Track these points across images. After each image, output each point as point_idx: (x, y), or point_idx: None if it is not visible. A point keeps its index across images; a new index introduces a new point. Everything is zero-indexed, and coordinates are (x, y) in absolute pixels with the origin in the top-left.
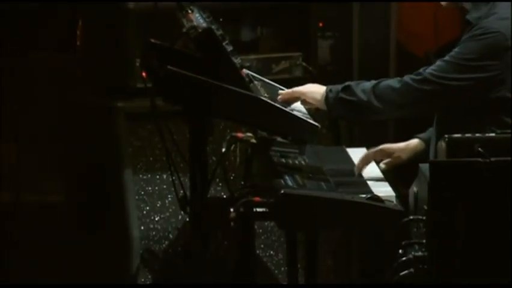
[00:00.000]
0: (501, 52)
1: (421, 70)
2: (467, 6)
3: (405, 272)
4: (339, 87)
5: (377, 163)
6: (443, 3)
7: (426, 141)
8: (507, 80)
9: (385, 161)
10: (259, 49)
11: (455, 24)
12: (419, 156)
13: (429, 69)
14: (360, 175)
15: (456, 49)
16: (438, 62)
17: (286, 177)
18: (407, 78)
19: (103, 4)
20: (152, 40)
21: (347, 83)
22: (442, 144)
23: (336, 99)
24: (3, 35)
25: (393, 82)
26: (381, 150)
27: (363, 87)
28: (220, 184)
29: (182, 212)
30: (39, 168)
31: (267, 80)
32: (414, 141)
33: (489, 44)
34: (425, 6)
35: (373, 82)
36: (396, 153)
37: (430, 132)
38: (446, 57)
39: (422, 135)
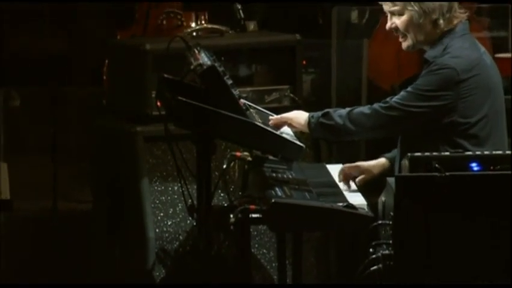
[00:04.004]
0: (453, 84)
1: (388, 99)
2: (425, 47)
3: (375, 267)
4: (319, 113)
5: (353, 179)
6: (404, 46)
7: (392, 160)
8: (458, 107)
9: (359, 178)
10: (254, 83)
11: (413, 62)
12: (386, 172)
13: (395, 98)
14: (338, 187)
15: (417, 81)
16: (402, 92)
17: (277, 189)
18: (376, 105)
19: (125, 46)
20: (165, 75)
21: (326, 110)
22: (405, 161)
23: (317, 124)
24: (43, 71)
25: (364, 109)
26: (356, 166)
27: (339, 113)
28: (222, 194)
29: (190, 218)
30: (73, 180)
31: (261, 108)
32: (382, 160)
33: (443, 78)
34: (389, 48)
35: (348, 109)
36: (368, 169)
37: (394, 152)
38: (409, 88)
39: (388, 154)
